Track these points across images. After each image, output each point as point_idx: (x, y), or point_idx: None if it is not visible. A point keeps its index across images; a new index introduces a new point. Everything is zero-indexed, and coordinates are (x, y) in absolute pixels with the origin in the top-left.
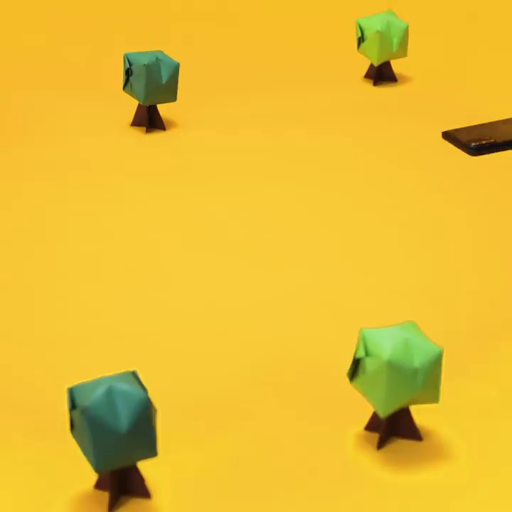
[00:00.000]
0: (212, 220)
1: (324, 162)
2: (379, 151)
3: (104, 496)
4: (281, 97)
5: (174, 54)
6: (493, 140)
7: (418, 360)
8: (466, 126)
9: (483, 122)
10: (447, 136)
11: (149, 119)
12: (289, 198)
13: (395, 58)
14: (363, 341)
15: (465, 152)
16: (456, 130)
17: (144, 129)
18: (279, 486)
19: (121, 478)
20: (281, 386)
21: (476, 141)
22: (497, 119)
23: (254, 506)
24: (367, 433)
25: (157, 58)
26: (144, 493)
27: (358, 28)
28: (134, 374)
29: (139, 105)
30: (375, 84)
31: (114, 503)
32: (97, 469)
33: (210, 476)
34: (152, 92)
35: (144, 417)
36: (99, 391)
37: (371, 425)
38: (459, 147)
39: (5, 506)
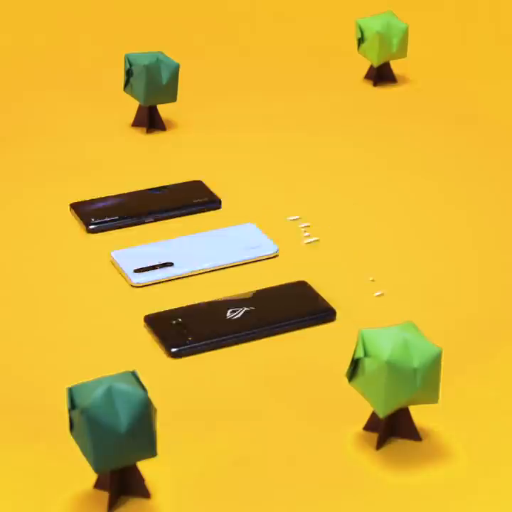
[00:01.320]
0: (212, 219)
1: (324, 162)
2: (379, 151)
3: (104, 496)
4: (281, 97)
5: (174, 55)
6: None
7: (417, 361)
8: (93, 198)
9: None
10: (73, 207)
11: (149, 120)
12: (289, 198)
13: (395, 59)
14: (362, 341)
15: (84, 229)
16: (82, 202)
17: (144, 129)
18: (279, 486)
19: (121, 478)
20: (281, 386)
21: (96, 217)
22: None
23: (254, 506)
24: (366, 433)
25: (157, 59)
26: (144, 493)
27: (358, 28)
28: (134, 374)
29: (140, 106)
30: (375, 84)
31: (113, 503)
32: (96, 469)
33: (210, 476)
34: (152, 93)
35: (144, 417)
36: (99, 391)
37: (370, 425)
38: (80, 222)
39: (5, 506)
